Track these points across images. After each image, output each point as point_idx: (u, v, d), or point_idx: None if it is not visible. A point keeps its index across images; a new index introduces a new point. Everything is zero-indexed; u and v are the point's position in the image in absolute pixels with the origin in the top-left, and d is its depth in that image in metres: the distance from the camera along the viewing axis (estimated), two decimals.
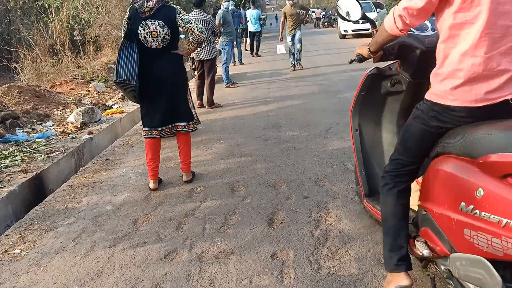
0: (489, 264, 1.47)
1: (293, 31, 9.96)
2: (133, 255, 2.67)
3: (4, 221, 3.17)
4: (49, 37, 9.89)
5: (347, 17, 2.42)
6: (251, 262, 2.49)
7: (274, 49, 17.06)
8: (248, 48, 15.20)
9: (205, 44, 6.59)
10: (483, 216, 1.47)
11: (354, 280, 2.26)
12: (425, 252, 1.83)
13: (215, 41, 9.05)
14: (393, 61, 2.40)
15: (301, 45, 10.23)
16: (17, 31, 11.34)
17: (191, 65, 8.50)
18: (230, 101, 7.34)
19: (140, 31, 3.32)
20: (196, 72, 7.25)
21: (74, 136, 4.89)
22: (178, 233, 2.89)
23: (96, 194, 3.68)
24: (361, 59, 2.19)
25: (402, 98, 2.44)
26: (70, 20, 10.53)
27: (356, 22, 2.56)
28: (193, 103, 5.20)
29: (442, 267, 1.77)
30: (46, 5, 10.90)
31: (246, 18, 14.33)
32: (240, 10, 15.55)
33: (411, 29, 2.00)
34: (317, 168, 3.86)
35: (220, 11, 8.61)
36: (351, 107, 2.67)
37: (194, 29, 3.38)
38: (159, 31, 3.32)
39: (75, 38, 10.97)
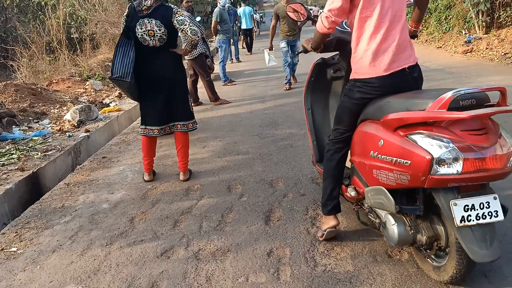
0: (386, 190, 2.07)
1: (290, 37, 7.59)
2: (130, 253, 2.67)
3: (0, 219, 3.17)
4: (46, 35, 9.85)
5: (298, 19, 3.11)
6: (247, 259, 2.50)
7: None
8: (245, 45, 15.19)
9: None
10: (383, 158, 2.07)
11: (349, 277, 2.27)
12: (353, 193, 2.49)
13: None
14: (335, 53, 3.00)
15: (298, 59, 7.85)
16: (14, 29, 11.31)
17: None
18: (227, 99, 7.33)
19: (138, 29, 3.33)
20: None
21: (70, 134, 4.89)
22: (175, 231, 2.90)
23: (93, 192, 3.68)
24: (306, 51, 2.80)
25: (342, 82, 2.90)
26: (67, 17, 10.49)
27: (303, 22, 3.25)
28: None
29: (365, 205, 2.39)
30: (43, 2, 10.84)
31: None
32: (236, 8, 15.49)
33: (345, 27, 2.72)
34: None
35: (216, 9, 8.59)
36: (304, 91, 3.21)
37: (187, 31, 3.36)
38: (156, 30, 3.33)
39: (72, 36, 10.93)
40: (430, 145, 1.83)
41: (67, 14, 10.55)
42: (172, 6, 3.42)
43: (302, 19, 3.13)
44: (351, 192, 2.51)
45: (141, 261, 2.57)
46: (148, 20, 3.31)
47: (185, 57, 6.75)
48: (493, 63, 8.52)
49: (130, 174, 4.07)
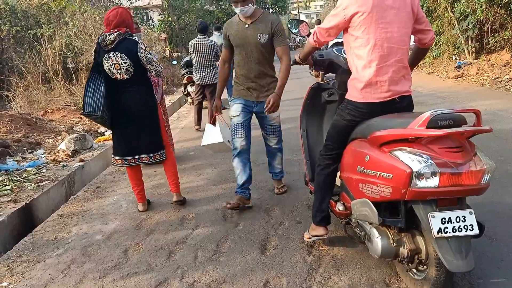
0: (370, 202, 2.21)
1: (253, 92, 3.51)
2: (123, 286, 2.61)
3: None
4: (42, 65, 9.94)
5: (298, 34, 3.19)
6: None
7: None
8: None
9: (210, 69, 6.64)
10: (369, 173, 2.22)
11: None
12: (341, 208, 2.64)
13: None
14: (331, 79, 3.12)
15: (279, 139, 3.83)
16: (10, 59, 11.40)
17: (183, 90, 8.57)
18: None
19: (105, 64, 3.42)
20: (190, 97, 7.26)
21: (65, 164, 4.86)
22: (169, 262, 2.85)
23: (86, 223, 3.63)
24: (295, 62, 3.01)
25: (336, 105, 2.99)
26: (63, 48, 10.61)
27: (303, 37, 3.23)
28: (170, 132, 5.18)
29: (353, 220, 2.54)
30: (39, 34, 10.99)
31: None
32: None
33: (342, 52, 2.83)
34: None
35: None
36: (300, 113, 3.29)
37: (152, 71, 3.50)
38: (122, 63, 3.40)
39: (68, 66, 11.03)
40: (410, 160, 1.98)
41: (63, 45, 10.67)
42: (136, 39, 3.50)
43: (303, 35, 3.21)
44: (339, 207, 2.65)
45: None
46: (113, 54, 3.39)
47: (209, 82, 6.71)
48: (484, 87, 8.66)
49: (124, 204, 4.03)
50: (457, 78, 9.97)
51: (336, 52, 2.97)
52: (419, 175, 1.94)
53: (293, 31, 3.24)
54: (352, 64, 2.48)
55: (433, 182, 1.94)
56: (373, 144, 2.25)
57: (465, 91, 8.49)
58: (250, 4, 3.31)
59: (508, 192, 3.47)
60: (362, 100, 2.39)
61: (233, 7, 3.38)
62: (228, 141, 3.75)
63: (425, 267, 2.18)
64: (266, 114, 3.39)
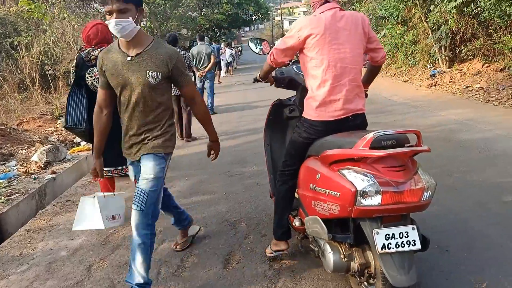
0: (319, 219, 2.29)
1: (131, 150, 2.66)
2: None
3: None
4: (19, 73, 9.85)
5: (260, 53, 3.31)
6: None
7: (248, 81, 17.23)
8: (221, 80, 15.49)
9: None
10: (319, 190, 2.30)
11: None
12: (297, 223, 2.71)
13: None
14: (293, 95, 3.23)
15: (144, 220, 2.65)
16: None
17: None
18: (199, 135, 7.39)
19: (87, 78, 3.50)
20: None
21: (36, 176, 4.84)
22: None
23: (53, 239, 3.63)
24: (256, 80, 3.08)
25: (298, 121, 3.05)
26: (41, 55, 10.53)
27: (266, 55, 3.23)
28: None
29: (309, 236, 2.58)
30: (16, 42, 10.89)
31: (218, 52, 14.67)
32: (211, 44, 15.94)
33: (302, 71, 2.77)
34: None
35: (216, 47, 8.97)
36: (264, 129, 3.42)
37: None
38: None
39: (46, 72, 10.93)
40: (355, 179, 2.07)
41: (41, 52, 10.59)
42: None
43: (266, 53, 3.27)
44: (296, 222, 2.73)
45: None
46: (97, 68, 3.44)
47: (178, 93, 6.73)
48: (455, 96, 8.89)
49: None
50: (430, 86, 10.22)
51: (296, 70, 3.06)
52: (364, 194, 2.02)
53: (256, 51, 3.33)
54: (308, 83, 2.57)
55: (376, 200, 2.02)
56: (324, 163, 2.33)
57: (438, 100, 8.71)
58: (131, 19, 2.28)
59: (467, 203, 3.59)
60: (317, 118, 2.48)
61: (106, 19, 2.32)
62: (113, 216, 3.02)
63: (374, 280, 2.26)
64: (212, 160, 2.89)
